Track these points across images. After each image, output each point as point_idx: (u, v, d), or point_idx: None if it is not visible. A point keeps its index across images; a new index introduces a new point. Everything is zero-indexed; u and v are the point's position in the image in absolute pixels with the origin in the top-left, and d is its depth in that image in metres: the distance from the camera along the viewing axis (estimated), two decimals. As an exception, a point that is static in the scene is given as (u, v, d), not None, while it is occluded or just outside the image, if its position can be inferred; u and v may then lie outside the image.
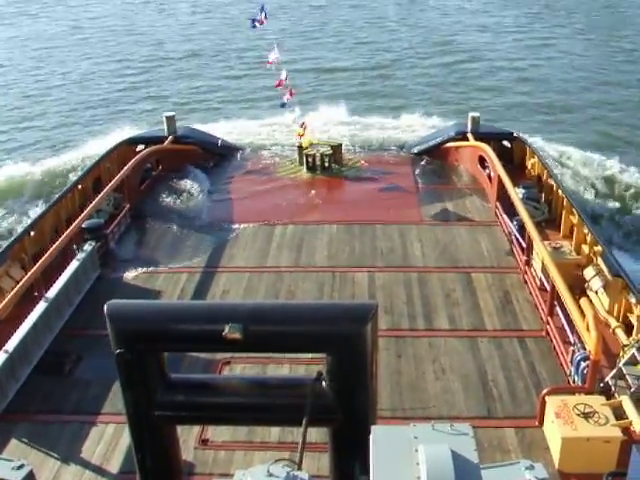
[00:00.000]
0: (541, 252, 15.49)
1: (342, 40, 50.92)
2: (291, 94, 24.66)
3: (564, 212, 19.04)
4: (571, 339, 13.71)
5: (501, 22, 55.24)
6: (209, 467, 11.58)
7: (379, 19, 56.46)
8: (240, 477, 6.08)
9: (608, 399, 11.83)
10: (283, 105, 25.13)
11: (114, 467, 11.65)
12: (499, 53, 47.07)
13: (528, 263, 16.99)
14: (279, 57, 24.32)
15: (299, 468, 6.64)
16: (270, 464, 6.11)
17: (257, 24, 23.96)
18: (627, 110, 36.46)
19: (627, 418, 11.37)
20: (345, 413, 7.69)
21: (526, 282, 16.85)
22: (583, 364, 12.54)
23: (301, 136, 24.84)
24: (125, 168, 21.06)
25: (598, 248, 16.65)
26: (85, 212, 18.32)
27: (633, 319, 14.52)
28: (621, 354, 13.11)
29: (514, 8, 59.21)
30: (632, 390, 12.00)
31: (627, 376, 12.30)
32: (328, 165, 24.35)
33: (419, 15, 57.81)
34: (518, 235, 17.98)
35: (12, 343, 13.50)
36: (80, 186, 21.25)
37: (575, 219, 18.25)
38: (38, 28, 57.80)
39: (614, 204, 25.83)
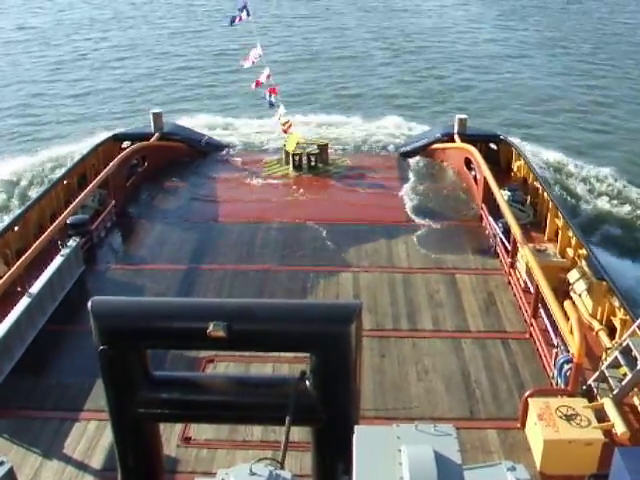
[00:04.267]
0: (526, 254, 15.54)
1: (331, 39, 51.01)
2: (274, 92, 24.50)
3: (549, 215, 19.13)
4: (554, 341, 13.75)
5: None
6: (191, 465, 11.54)
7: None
8: (223, 476, 6.05)
9: (590, 402, 11.88)
10: (272, 104, 24.87)
11: (96, 464, 11.57)
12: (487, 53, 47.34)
13: (513, 265, 17.04)
14: (261, 54, 24.06)
15: (282, 467, 6.62)
16: (253, 463, 6.09)
17: (236, 21, 23.89)
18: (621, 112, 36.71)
19: (609, 421, 11.43)
20: (328, 413, 7.67)
21: (510, 284, 16.89)
22: (566, 366, 12.58)
23: (286, 131, 24.68)
24: (111, 164, 20.91)
25: (583, 251, 16.74)
26: (70, 208, 18.19)
27: (616, 322, 14.61)
28: (604, 357, 13.17)
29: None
30: (614, 393, 12.06)
31: (609, 379, 12.36)
32: (314, 164, 24.32)
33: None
34: (503, 237, 18.01)
35: None
36: (65, 182, 21.12)
37: (560, 222, 18.33)
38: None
39: (599, 208, 25.91)
